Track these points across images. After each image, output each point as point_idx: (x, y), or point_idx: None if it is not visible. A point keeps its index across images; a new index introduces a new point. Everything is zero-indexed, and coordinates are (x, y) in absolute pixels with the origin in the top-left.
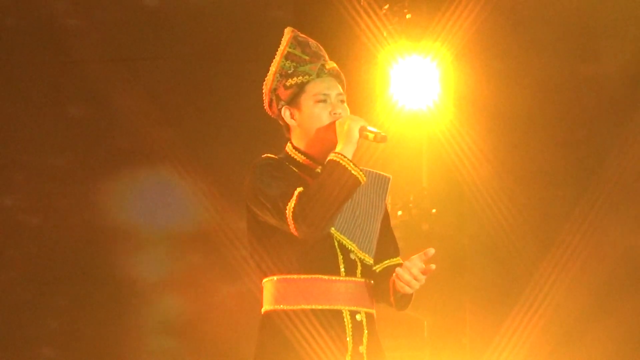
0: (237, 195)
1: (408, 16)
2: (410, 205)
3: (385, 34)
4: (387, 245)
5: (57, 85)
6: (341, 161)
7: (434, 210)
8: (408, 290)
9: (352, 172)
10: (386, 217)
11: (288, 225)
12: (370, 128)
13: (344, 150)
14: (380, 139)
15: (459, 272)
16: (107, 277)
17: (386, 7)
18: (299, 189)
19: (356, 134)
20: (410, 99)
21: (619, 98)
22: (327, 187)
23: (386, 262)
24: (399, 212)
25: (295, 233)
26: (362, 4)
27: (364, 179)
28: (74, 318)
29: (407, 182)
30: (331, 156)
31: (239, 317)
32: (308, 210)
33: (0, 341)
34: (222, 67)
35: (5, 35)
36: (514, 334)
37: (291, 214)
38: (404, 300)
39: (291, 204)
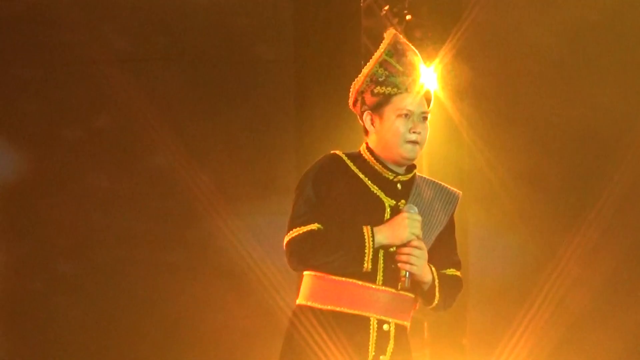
0: (236, 195)
1: (408, 17)
2: None
3: (385, 35)
4: (440, 256)
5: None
6: (367, 242)
7: None
8: (410, 269)
9: (364, 260)
10: (449, 231)
11: (283, 244)
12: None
13: (379, 234)
14: (401, 287)
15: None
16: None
17: (386, 8)
18: (312, 226)
19: (401, 239)
20: None
21: (623, 97)
22: (336, 250)
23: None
24: None
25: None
26: (362, 5)
27: (369, 269)
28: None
29: None
30: (365, 229)
31: (239, 316)
32: (304, 250)
33: None
34: (221, 68)
35: (5, 35)
36: (514, 334)
37: (289, 241)
38: (420, 291)
39: (296, 233)
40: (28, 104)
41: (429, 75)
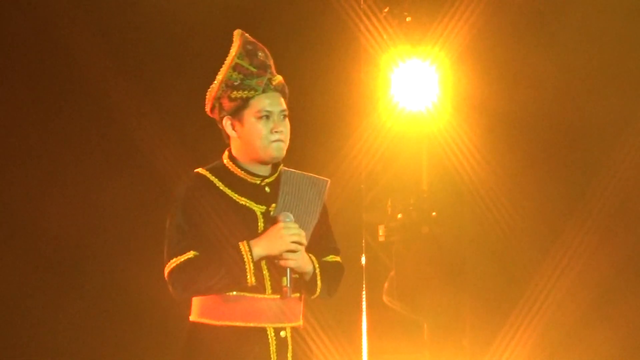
0: None
1: (408, 19)
2: (411, 208)
3: (385, 37)
4: (319, 245)
5: (57, 86)
6: (245, 257)
7: (434, 213)
8: (287, 264)
9: (247, 276)
10: (323, 219)
11: (164, 274)
12: (291, 266)
13: (257, 247)
14: (283, 291)
15: (459, 274)
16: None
17: (386, 9)
18: (189, 255)
19: (280, 249)
20: (410, 101)
21: (619, 98)
22: (218, 271)
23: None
24: (399, 215)
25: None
26: (362, 6)
27: (254, 283)
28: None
29: (408, 185)
30: (241, 244)
31: None
32: (185, 280)
33: None
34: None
35: (4, 35)
36: (513, 336)
37: (169, 271)
38: (302, 282)
39: (174, 263)
40: (18, 106)
41: (429, 77)
